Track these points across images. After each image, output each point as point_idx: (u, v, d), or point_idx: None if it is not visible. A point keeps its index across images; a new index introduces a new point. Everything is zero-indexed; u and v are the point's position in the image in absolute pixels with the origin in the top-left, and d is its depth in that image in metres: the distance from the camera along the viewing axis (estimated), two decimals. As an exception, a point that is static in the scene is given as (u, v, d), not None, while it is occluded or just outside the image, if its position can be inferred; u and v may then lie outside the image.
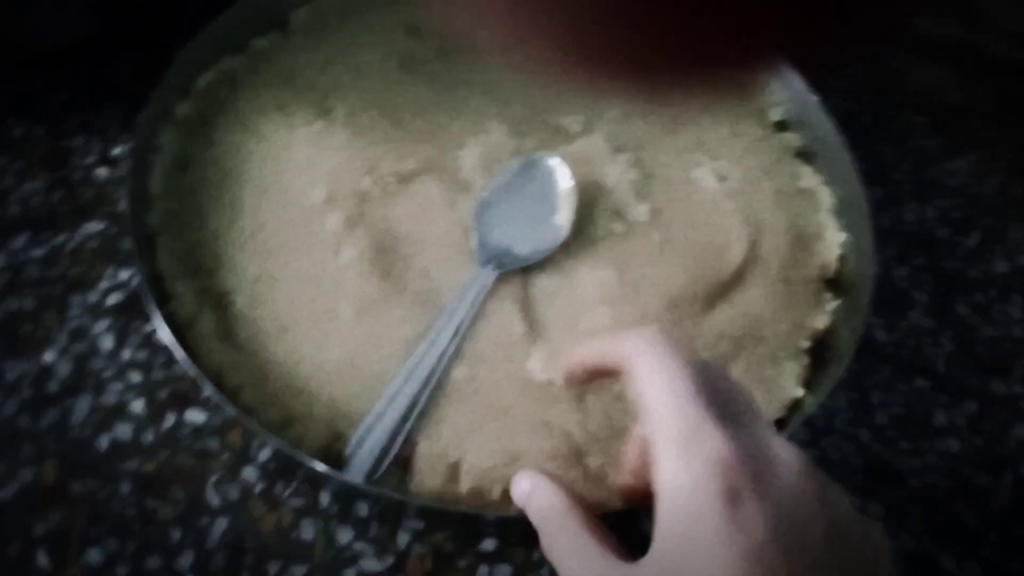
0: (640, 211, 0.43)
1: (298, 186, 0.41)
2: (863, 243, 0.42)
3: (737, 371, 0.39)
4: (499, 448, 0.35)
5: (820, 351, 0.40)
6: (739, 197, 0.44)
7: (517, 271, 0.40)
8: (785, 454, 0.26)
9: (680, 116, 0.47)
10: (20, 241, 0.39)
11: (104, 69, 0.46)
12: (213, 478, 0.35)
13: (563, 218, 0.41)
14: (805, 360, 0.40)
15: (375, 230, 0.40)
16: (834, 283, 0.43)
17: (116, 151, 0.43)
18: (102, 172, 0.42)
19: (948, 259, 0.47)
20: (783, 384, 0.39)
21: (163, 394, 0.37)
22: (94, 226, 0.41)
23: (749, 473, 0.25)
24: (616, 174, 0.44)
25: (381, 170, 0.42)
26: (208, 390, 0.33)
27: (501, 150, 0.44)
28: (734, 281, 0.42)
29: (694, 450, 0.25)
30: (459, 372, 0.37)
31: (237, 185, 0.41)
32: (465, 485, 0.34)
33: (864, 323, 0.39)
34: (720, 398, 0.27)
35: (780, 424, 0.38)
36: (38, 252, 0.39)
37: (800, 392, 0.39)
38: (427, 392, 0.36)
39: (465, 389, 0.36)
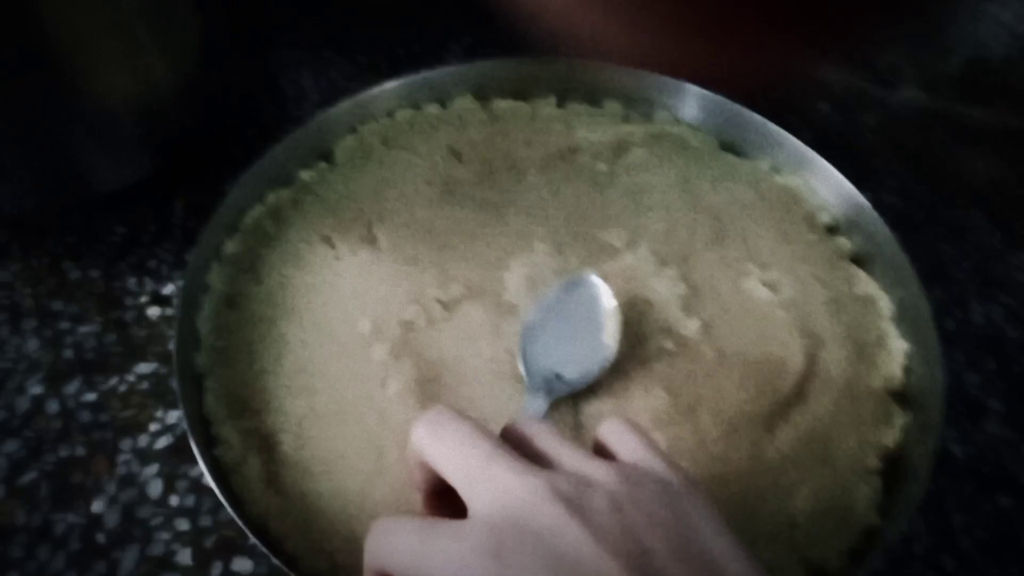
0: (691, 326, 0.42)
1: (344, 318, 0.41)
2: (929, 350, 0.40)
3: (804, 498, 0.37)
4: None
5: (892, 471, 0.38)
6: (793, 307, 0.43)
7: (567, 397, 0.39)
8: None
9: (726, 226, 0.46)
10: (73, 386, 0.40)
11: (158, 208, 0.47)
12: (260, 631, 0.34)
13: (610, 337, 0.40)
14: (877, 482, 0.38)
15: (421, 360, 0.40)
16: (901, 396, 0.41)
17: (168, 290, 0.44)
18: (154, 312, 0.43)
19: (1022, 361, 0.45)
20: (856, 510, 0.37)
21: (210, 542, 0.36)
22: (145, 367, 0.41)
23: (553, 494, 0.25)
24: (664, 289, 0.43)
25: (426, 298, 0.42)
26: (253, 540, 0.32)
27: (545, 269, 0.43)
28: (794, 398, 0.40)
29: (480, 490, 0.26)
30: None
31: (284, 320, 0.41)
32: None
33: (938, 438, 0.37)
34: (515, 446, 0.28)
35: (856, 556, 0.36)
36: (90, 397, 0.40)
37: (876, 518, 0.37)
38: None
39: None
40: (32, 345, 0.41)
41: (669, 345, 0.41)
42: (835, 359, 0.41)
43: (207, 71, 0.47)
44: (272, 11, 0.57)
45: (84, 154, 0.44)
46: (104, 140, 0.43)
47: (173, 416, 0.40)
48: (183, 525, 0.36)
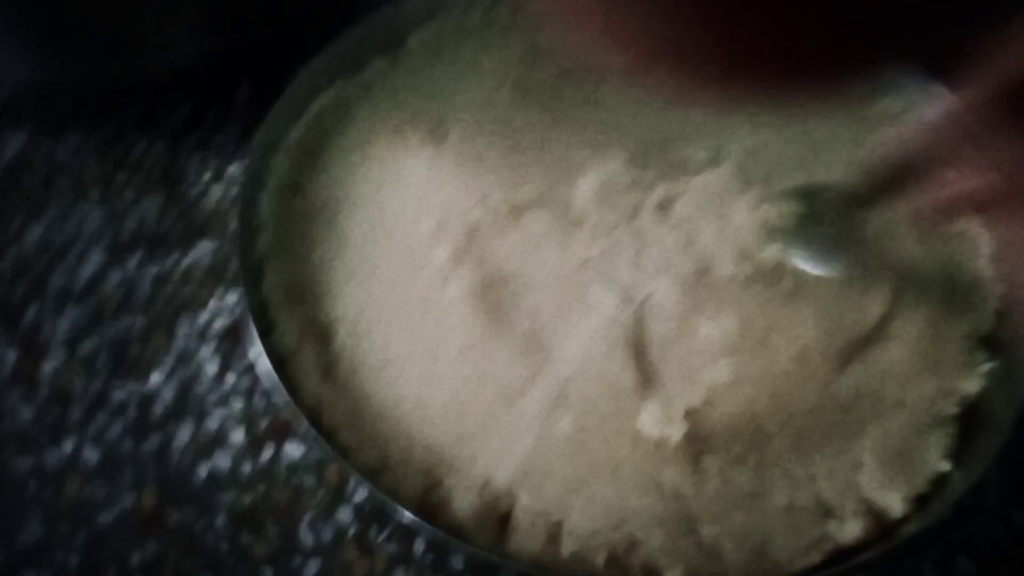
0: (770, 252, 0.39)
1: (408, 215, 0.40)
2: (1026, 297, 0.37)
3: (874, 439, 0.35)
4: (605, 510, 0.32)
5: (971, 420, 0.36)
6: (884, 237, 0.40)
7: (631, 313, 0.37)
8: None
9: (818, 148, 0.43)
10: (135, 259, 0.40)
11: (224, 88, 0.46)
12: (308, 517, 0.34)
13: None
14: (953, 429, 0.36)
15: (483, 265, 0.38)
16: (990, 341, 0.38)
17: (232, 170, 0.43)
18: (217, 191, 0.42)
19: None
20: (927, 456, 0.35)
21: (263, 424, 0.36)
22: (207, 246, 0.40)
23: None
24: (745, 210, 0.41)
25: (492, 200, 0.40)
26: (308, 424, 0.32)
27: (618, 181, 0.41)
28: (874, 335, 0.38)
29: None
30: (565, 422, 0.35)
31: (347, 212, 0.40)
32: (567, 548, 0.32)
33: (1024, 390, 0.34)
34: None
35: (923, 502, 0.34)
36: (152, 270, 0.39)
37: (947, 466, 0.35)
38: (531, 442, 0.34)
39: (571, 442, 0.34)
40: (96, 214, 0.41)
41: (747, 269, 0.39)
42: (923, 297, 0.39)
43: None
44: None
45: (148, 24, 0.42)
46: (169, 10, 0.42)
47: (232, 297, 0.39)
48: (237, 405, 0.36)
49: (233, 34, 0.45)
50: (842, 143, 0.43)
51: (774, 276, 0.39)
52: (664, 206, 0.41)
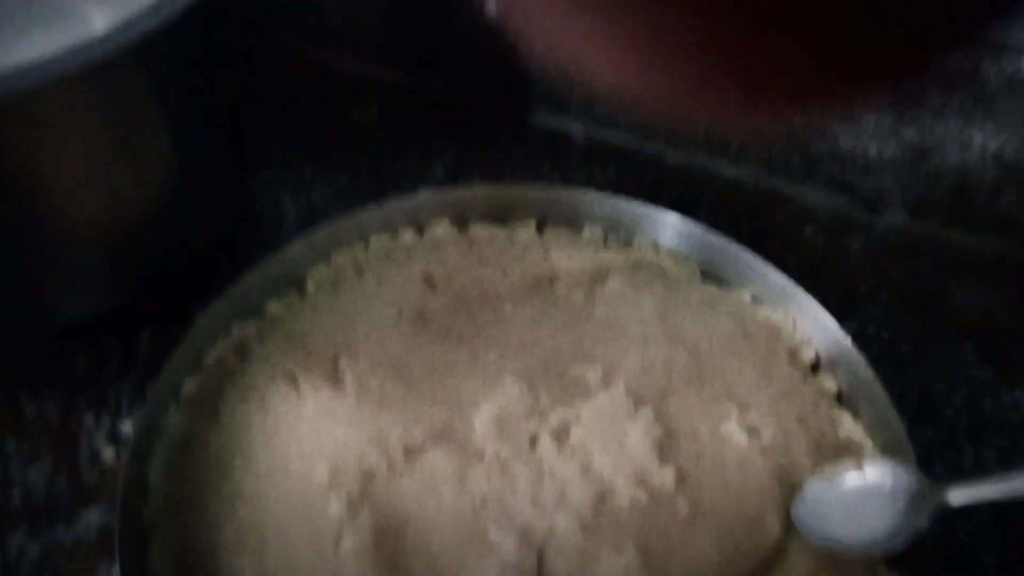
0: (665, 476, 0.40)
1: (302, 466, 0.39)
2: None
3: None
4: None
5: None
6: (773, 454, 0.41)
7: (532, 555, 0.37)
8: None
9: (705, 361, 0.45)
10: (17, 538, 0.38)
11: (123, 337, 0.46)
12: None
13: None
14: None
15: (379, 515, 0.38)
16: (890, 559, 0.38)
17: (126, 427, 0.43)
18: (109, 452, 0.42)
19: (1018, 510, 0.42)
20: None
21: None
22: (94, 515, 0.39)
23: None
24: (638, 432, 0.41)
25: (388, 442, 0.40)
26: None
27: (514, 412, 0.42)
28: (774, 558, 0.38)
29: None
30: None
31: (241, 467, 0.39)
32: None
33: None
34: None
35: None
36: (33, 549, 0.38)
37: None
38: None
39: None
40: (-21, 488, 0.40)
41: (642, 496, 0.39)
42: (817, 512, 0.39)
43: (182, 197, 0.46)
44: (251, 131, 0.58)
45: (49, 284, 0.43)
46: (71, 269, 0.43)
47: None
48: None
49: (133, 286, 0.46)
50: (732, 355, 0.45)
51: (670, 501, 0.39)
52: (560, 434, 0.41)
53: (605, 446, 0.40)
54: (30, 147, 0.37)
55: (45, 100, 0.36)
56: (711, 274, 0.49)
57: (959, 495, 0.36)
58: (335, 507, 0.38)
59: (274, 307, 0.46)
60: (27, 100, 0.35)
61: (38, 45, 0.50)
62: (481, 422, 0.41)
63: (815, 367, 0.45)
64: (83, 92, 0.37)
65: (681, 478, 0.40)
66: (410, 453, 0.40)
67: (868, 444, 0.42)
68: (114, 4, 0.54)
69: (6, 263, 0.41)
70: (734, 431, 0.42)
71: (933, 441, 0.45)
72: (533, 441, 0.41)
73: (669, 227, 0.50)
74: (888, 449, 0.41)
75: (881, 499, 0.37)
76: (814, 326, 0.46)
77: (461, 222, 0.51)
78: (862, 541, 0.37)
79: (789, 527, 0.39)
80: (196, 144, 0.46)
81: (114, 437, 0.42)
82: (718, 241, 0.48)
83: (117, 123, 0.40)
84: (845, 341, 0.44)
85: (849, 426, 0.43)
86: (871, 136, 0.54)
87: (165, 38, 0.37)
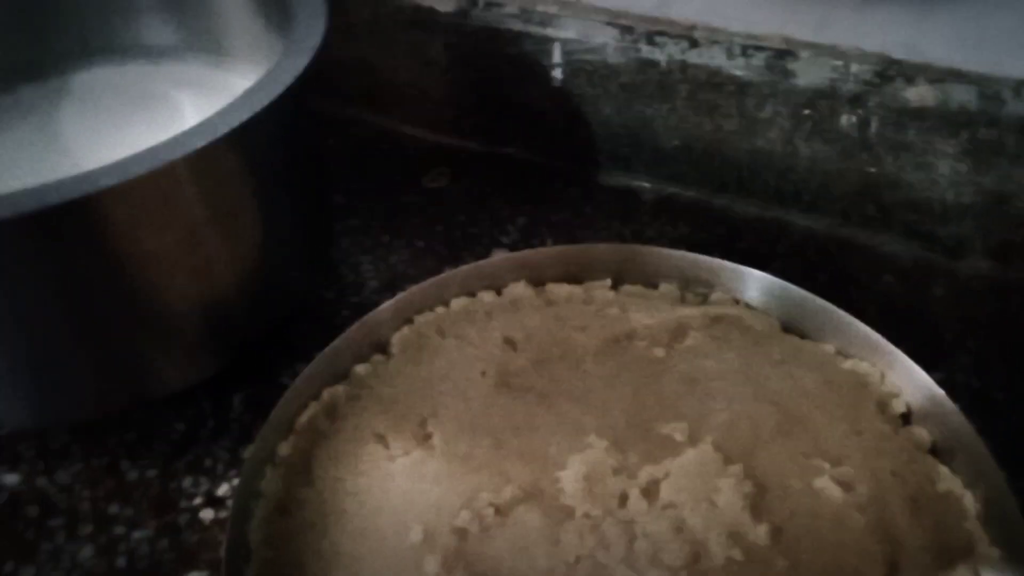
0: (760, 532, 0.39)
1: (396, 526, 0.40)
2: (1021, 556, 0.37)
3: None
4: None
5: None
6: (870, 509, 0.40)
7: (628, 615, 0.37)
8: None
9: (791, 416, 0.44)
10: (124, 600, 0.39)
11: (216, 404, 0.48)
12: None
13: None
14: None
15: (474, 574, 0.38)
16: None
17: (223, 490, 0.44)
18: (207, 515, 0.43)
19: None
20: None
21: None
22: (195, 577, 0.40)
23: None
24: (729, 489, 0.41)
25: (479, 502, 0.40)
26: None
27: (602, 470, 0.42)
28: (878, 615, 0.37)
29: None
30: None
31: (336, 528, 0.40)
32: None
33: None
34: None
35: None
36: (139, 614, 0.39)
37: None
38: None
39: None
40: (87, 552, 0.41)
41: (736, 554, 0.38)
42: (917, 566, 0.38)
43: (272, 267, 0.48)
44: (333, 199, 0.60)
45: (148, 360, 0.45)
46: (168, 345, 0.44)
47: (221, 634, 0.38)
48: None
49: (226, 355, 0.48)
50: (818, 409, 0.44)
51: (765, 559, 0.38)
52: (649, 492, 0.41)
53: (696, 504, 0.40)
54: (132, 229, 0.39)
55: (148, 186, 0.38)
56: (791, 327, 0.49)
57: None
58: (431, 566, 0.38)
59: (361, 370, 0.47)
60: (133, 188, 0.37)
61: (136, 131, 0.54)
62: (569, 480, 0.41)
63: (906, 418, 0.44)
64: (183, 177, 0.39)
65: (776, 535, 0.39)
66: (500, 512, 0.40)
67: (968, 496, 0.40)
68: (199, 89, 0.58)
69: (109, 339, 0.43)
70: (827, 486, 0.41)
71: (1036, 493, 0.43)
72: (623, 499, 0.41)
73: (747, 281, 0.50)
74: (990, 502, 0.40)
75: None
76: (902, 376, 0.45)
77: (537, 282, 0.52)
78: None
79: (892, 584, 0.37)
80: (285, 214, 0.48)
81: (212, 500, 0.43)
82: (798, 294, 0.48)
83: (212, 201, 0.42)
84: (937, 391, 0.43)
85: (947, 479, 0.41)
86: (948, 183, 0.54)
87: (261, 121, 0.39)
